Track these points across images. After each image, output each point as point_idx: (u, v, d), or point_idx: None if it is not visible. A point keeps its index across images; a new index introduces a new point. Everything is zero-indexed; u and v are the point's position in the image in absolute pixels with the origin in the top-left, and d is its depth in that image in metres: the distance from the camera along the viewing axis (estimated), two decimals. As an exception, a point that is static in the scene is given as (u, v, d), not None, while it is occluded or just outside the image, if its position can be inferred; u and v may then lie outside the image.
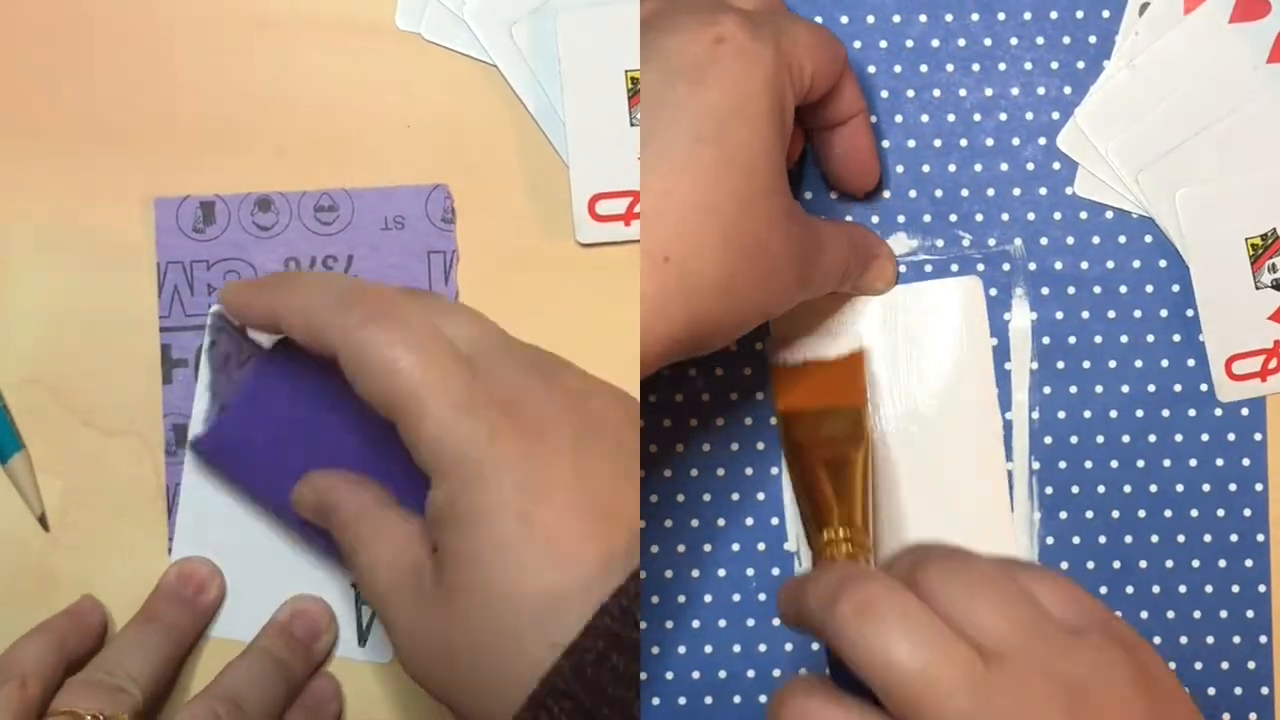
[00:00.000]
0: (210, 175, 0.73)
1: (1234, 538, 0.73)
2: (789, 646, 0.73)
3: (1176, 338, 0.73)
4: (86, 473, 0.73)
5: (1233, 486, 0.73)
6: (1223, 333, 0.73)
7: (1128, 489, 0.73)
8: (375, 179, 0.74)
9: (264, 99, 0.73)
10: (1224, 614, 0.73)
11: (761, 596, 0.73)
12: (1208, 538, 0.73)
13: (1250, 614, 0.73)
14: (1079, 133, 0.73)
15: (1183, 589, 0.73)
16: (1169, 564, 0.73)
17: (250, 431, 0.70)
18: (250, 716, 0.68)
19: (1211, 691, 0.73)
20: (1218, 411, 0.73)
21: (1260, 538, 0.73)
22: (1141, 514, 0.73)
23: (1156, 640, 0.73)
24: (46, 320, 0.73)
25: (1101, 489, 0.73)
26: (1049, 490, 0.73)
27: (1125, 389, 0.73)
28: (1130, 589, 0.73)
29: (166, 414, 0.73)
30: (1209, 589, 0.73)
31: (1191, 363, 0.73)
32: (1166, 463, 0.73)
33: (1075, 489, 0.73)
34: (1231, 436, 0.73)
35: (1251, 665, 0.73)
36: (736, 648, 0.73)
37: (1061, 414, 0.73)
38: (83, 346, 0.73)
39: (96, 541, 0.73)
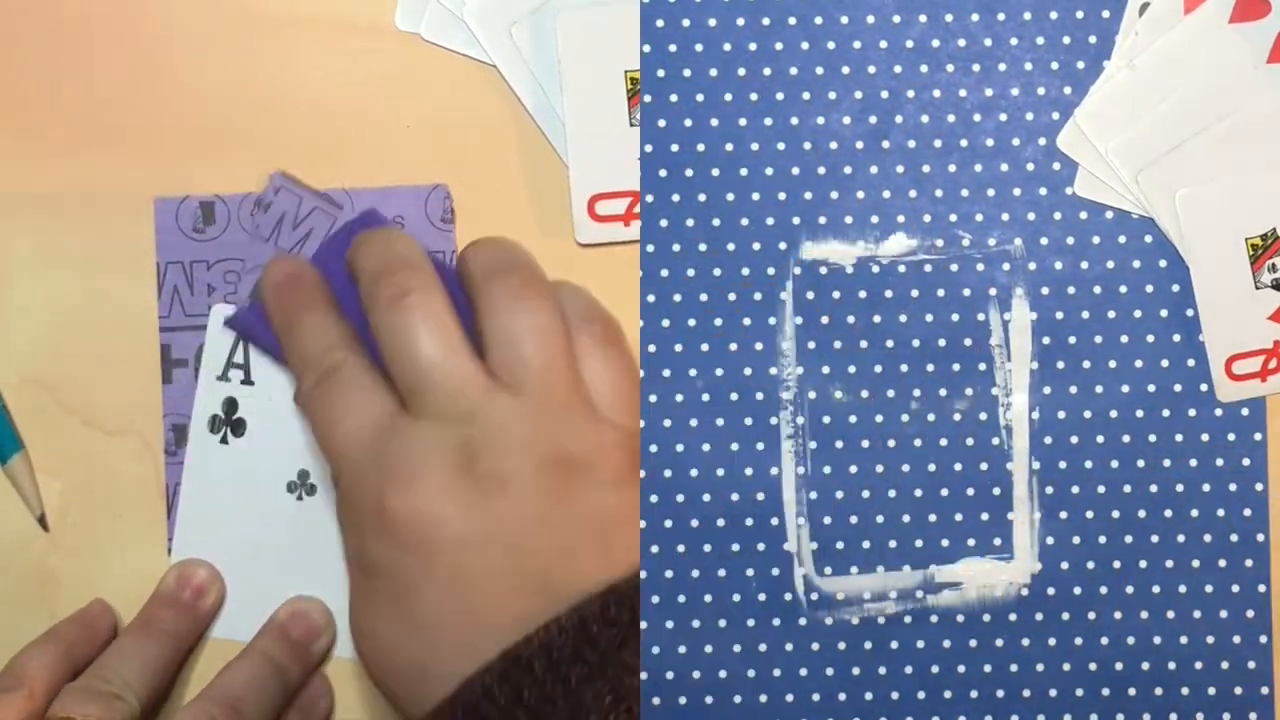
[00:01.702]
0: (210, 175, 0.73)
1: (1234, 538, 0.73)
2: (789, 646, 0.74)
3: (1176, 338, 0.73)
4: (86, 473, 0.73)
5: (1233, 486, 0.73)
6: (1223, 333, 0.73)
7: (1128, 489, 0.73)
8: (375, 179, 0.73)
9: (264, 99, 0.73)
10: (1224, 614, 0.73)
11: (761, 596, 0.73)
12: (1208, 538, 0.73)
13: (1250, 614, 0.73)
14: (1079, 133, 0.73)
15: (1183, 589, 0.73)
16: (1169, 564, 0.73)
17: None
18: (248, 718, 0.68)
19: (1212, 691, 0.73)
20: (1218, 411, 0.73)
21: (1260, 537, 0.73)
22: (1141, 514, 0.73)
23: (1156, 640, 0.73)
24: (46, 320, 0.73)
25: (1101, 489, 0.73)
26: (1049, 490, 0.73)
27: (1125, 389, 0.73)
28: (1130, 589, 0.73)
29: (166, 414, 0.73)
30: (1209, 589, 0.73)
31: (1191, 363, 0.73)
32: (1166, 463, 0.73)
33: (1075, 489, 0.73)
34: (1231, 436, 0.73)
35: (1251, 665, 0.73)
36: (736, 648, 0.73)
37: (1061, 414, 0.73)
38: (83, 346, 0.73)
39: (96, 542, 0.73)
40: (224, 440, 0.73)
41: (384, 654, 0.63)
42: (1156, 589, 0.73)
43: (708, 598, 0.73)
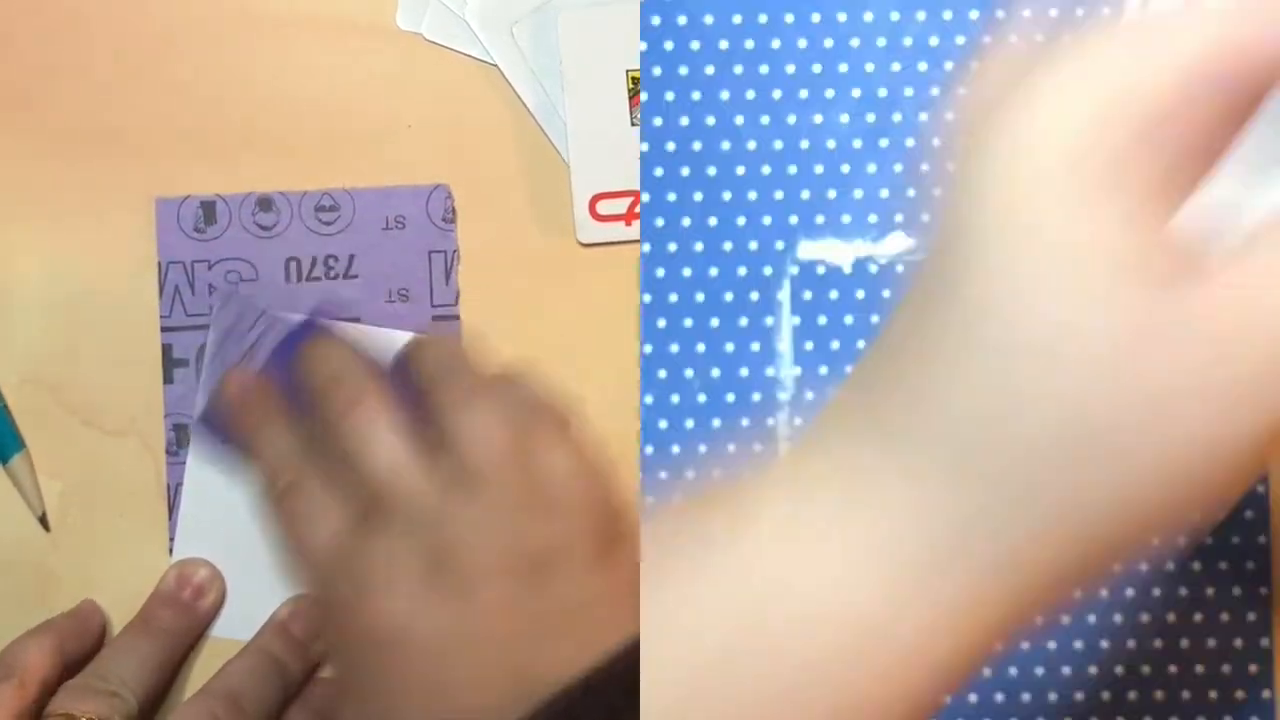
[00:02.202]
0: (211, 175, 0.73)
1: (1235, 539, 0.73)
2: (787, 648, 0.73)
3: (1176, 338, 0.73)
4: (87, 473, 0.73)
5: (1233, 487, 0.73)
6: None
7: (1128, 490, 0.73)
8: (376, 179, 0.74)
9: (264, 99, 0.74)
10: (1225, 616, 0.73)
11: (759, 598, 0.73)
12: (1208, 540, 0.73)
13: (1251, 617, 0.73)
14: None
15: (1183, 591, 0.73)
16: (1169, 566, 0.73)
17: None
18: (248, 715, 0.68)
19: (1213, 695, 0.73)
20: (1218, 412, 0.73)
21: (1261, 540, 0.73)
22: (1142, 515, 0.73)
23: (1157, 643, 0.73)
24: (47, 320, 0.73)
25: (1101, 490, 0.73)
26: (1048, 491, 0.73)
27: (1125, 389, 0.73)
28: (1130, 590, 0.73)
29: (167, 414, 0.73)
30: (1210, 591, 0.73)
31: (1192, 363, 0.73)
32: (1167, 463, 0.73)
33: (1075, 490, 0.73)
34: (1232, 437, 0.73)
35: (1253, 668, 0.73)
36: (734, 649, 0.73)
37: (1061, 414, 0.73)
38: (83, 346, 0.73)
39: (97, 542, 0.73)
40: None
41: None
42: (1157, 590, 0.73)
43: (705, 599, 0.73)
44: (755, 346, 0.73)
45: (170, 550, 0.73)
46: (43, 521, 0.73)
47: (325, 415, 0.66)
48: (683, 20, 0.73)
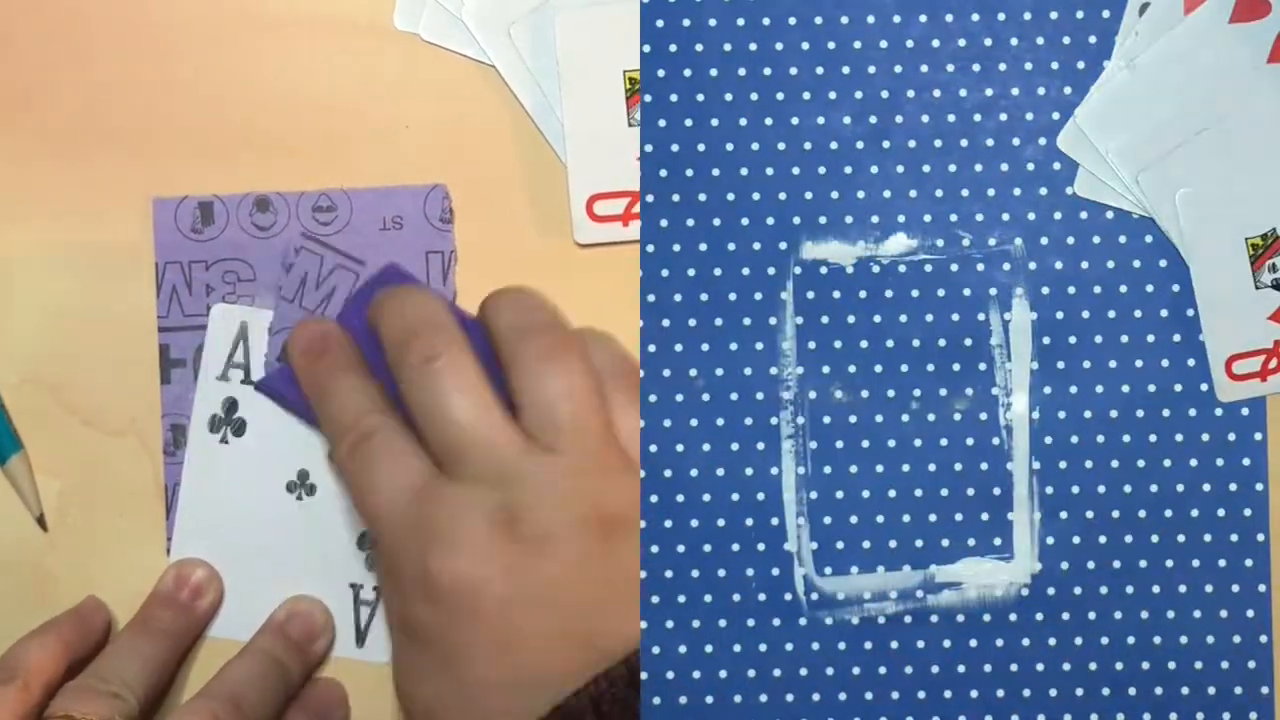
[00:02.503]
0: (208, 175, 0.73)
1: (1234, 537, 0.73)
2: (789, 646, 0.74)
3: (1176, 338, 0.73)
4: (85, 473, 0.73)
5: (1233, 486, 0.73)
6: (1223, 333, 0.73)
7: (1128, 489, 0.73)
8: (374, 179, 0.74)
9: (262, 99, 0.73)
10: (1224, 614, 0.73)
11: (761, 596, 0.73)
12: (1208, 538, 0.73)
13: (1250, 614, 0.73)
14: (1079, 134, 0.73)
15: (1183, 589, 0.74)
16: (1169, 564, 0.73)
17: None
18: (248, 716, 0.68)
19: (1211, 691, 0.73)
20: (1218, 411, 0.73)
21: (1260, 537, 0.74)
22: (1141, 514, 0.73)
23: (1156, 640, 0.73)
24: (45, 320, 0.73)
25: (1101, 489, 0.73)
26: (1049, 490, 0.73)
27: (1125, 389, 0.73)
28: (1130, 589, 0.73)
29: (165, 414, 0.73)
30: (1209, 589, 0.73)
31: (1191, 363, 0.73)
32: (1166, 463, 0.73)
33: (1075, 489, 0.73)
34: (1231, 436, 0.73)
35: (1251, 665, 0.73)
36: (736, 647, 0.74)
37: (1061, 414, 0.73)
38: (81, 347, 0.73)
39: (95, 542, 0.73)
40: (224, 440, 0.73)
41: (433, 716, 0.64)
42: (1156, 589, 0.73)
43: (708, 598, 0.74)
44: (759, 346, 0.73)
45: (168, 550, 0.73)
46: (41, 522, 0.73)
47: (402, 366, 0.66)
48: (686, 23, 0.73)
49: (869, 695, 0.74)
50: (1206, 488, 0.73)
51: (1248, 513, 0.73)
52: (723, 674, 0.74)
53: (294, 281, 0.73)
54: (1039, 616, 0.73)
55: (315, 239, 0.72)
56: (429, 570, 0.62)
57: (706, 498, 0.73)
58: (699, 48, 0.73)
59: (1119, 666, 0.73)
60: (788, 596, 0.74)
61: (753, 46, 0.73)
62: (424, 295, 0.70)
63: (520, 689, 0.62)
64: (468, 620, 0.62)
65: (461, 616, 0.62)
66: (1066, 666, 0.74)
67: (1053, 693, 0.74)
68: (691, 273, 0.73)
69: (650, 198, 0.73)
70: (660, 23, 0.73)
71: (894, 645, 0.74)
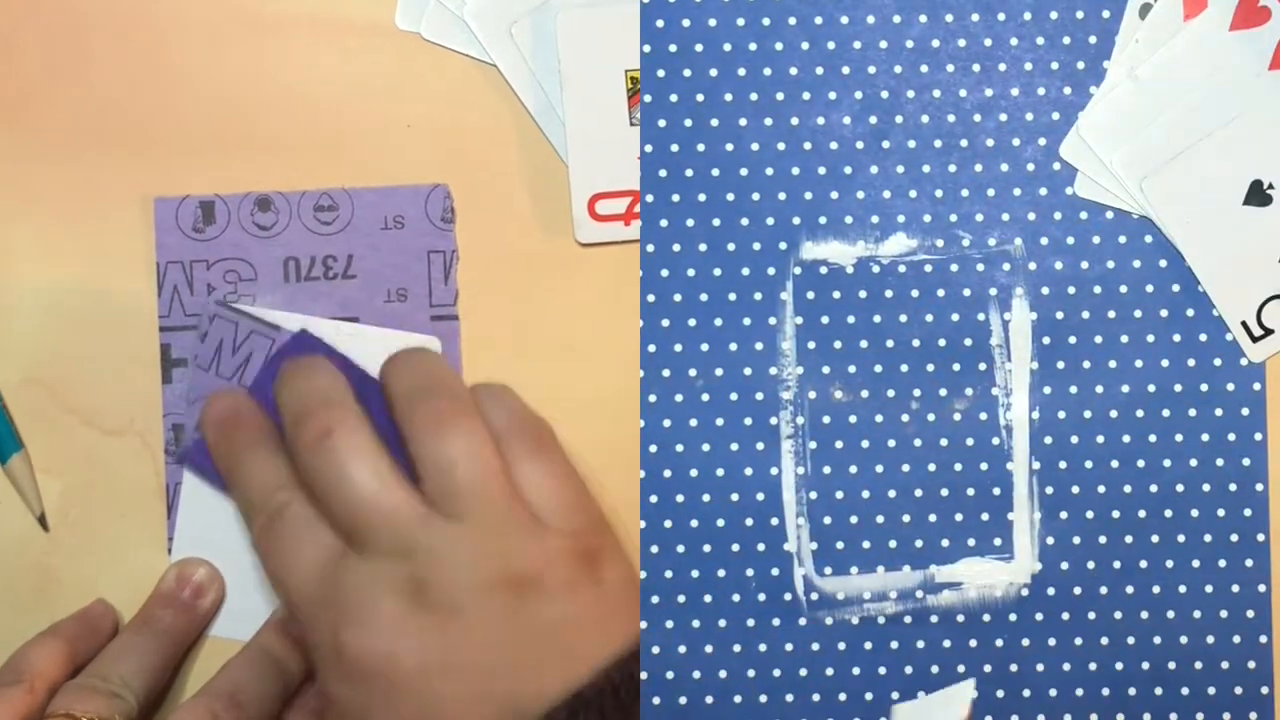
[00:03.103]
0: (210, 175, 0.73)
1: (1234, 538, 0.74)
2: (789, 646, 0.74)
3: (1176, 338, 0.73)
4: (86, 473, 0.73)
5: (1233, 486, 0.73)
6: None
7: (1128, 489, 0.73)
8: (375, 179, 0.74)
9: (263, 99, 0.73)
10: (1224, 614, 0.73)
11: (761, 597, 0.73)
12: (1208, 538, 0.73)
13: (1250, 614, 0.74)
14: (1081, 143, 0.73)
15: (1183, 589, 0.74)
16: (1169, 564, 0.73)
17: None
18: (248, 714, 0.68)
19: (1211, 691, 0.73)
20: (1218, 411, 0.73)
21: (1260, 538, 0.74)
22: (1141, 514, 0.73)
23: (1156, 640, 0.73)
24: (46, 320, 0.73)
25: (1101, 489, 0.73)
26: (1049, 490, 0.73)
27: (1125, 389, 0.73)
28: (1130, 589, 0.73)
29: (166, 414, 0.73)
30: (1209, 589, 0.74)
31: (1191, 363, 0.73)
32: (1166, 463, 0.73)
33: (1075, 489, 0.73)
34: (1231, 436, 0.73)
35: (1251, 665, 0.73)
36: (736, 648, 0.74)
37: (1061, 414, 0.73)
38: (82, 346, 0.73)
39: (96, 542, 0.73)
40: (224, 440, 0.73)
41: None
42: (1156, 589, 0.73)
43: (708, 598, 0.74)
44: (759, 346, 0.73)
45: (169, 550, 0.73)
46: (42, 521, 0.73)
47: (298, 444, 0.66)
48: (686, 23, 0.73)
49: (869, 695, 0.74)
50: (1206, 488, 0.73)
51: (1248, 513, 0.73)
52: (723, 674, 0.74)
53: (209, 349, 0.73)
54: (1039, 616, 0.73)
55: (227, 306, 0.72)
56: (343, 646, 0.62)
57: (706, 498, 0.74)
58: (699, 48, 0.73)
59: (1119, 666, 0.74)
60: (787, 597, 0.74)
61: (753, 46, 0.73)
62: (320, 369, 0.69)
63: None
64: (385, 694, 0.62)
65: (378, 691, 0.62)
66: (1066, 666, 0.74)
67: (1053, 693, 0.74)
68: (691, 273, 0.73)
69: (650, 198, 0.73)
70: (660, 23, 0.73)
71: (894, 645, 0.74)
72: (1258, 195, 0.72)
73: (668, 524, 0.73)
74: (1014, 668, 0.74)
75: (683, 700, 0.74)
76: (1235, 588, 0.74)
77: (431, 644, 0.62)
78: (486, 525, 0.64)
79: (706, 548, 0.73)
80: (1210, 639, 0.73)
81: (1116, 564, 0.73)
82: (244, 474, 0.68)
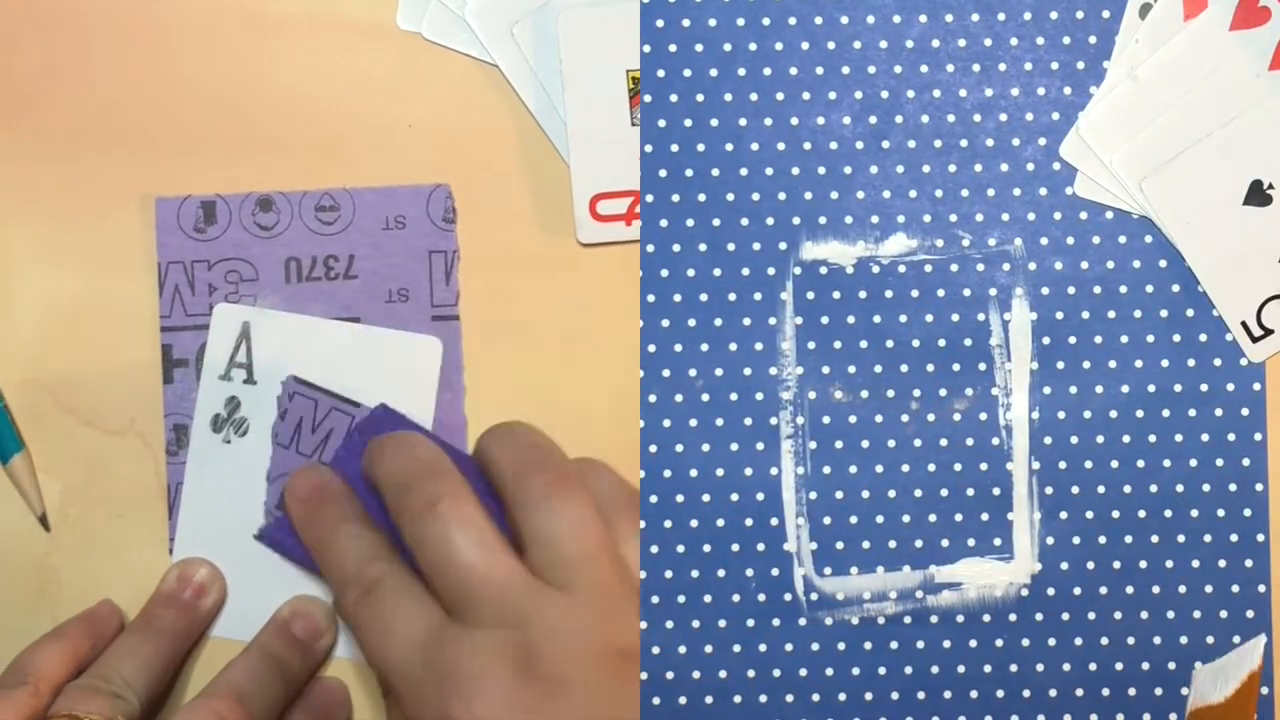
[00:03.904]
0: (211, 175, 0.73)
1: (1234, 538, 0.73)
2: (789, 646, 0.74)
3: (1176, 338, 0.73)
4: (87, 473, 0.73)
5: (1233, 486, 0.73)
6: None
7: (1128, 489, 0.73)
8: (376, 179, 0.74)
9: (264, 99, 0.73)
10: (1224, 614, 0.73)
11: (761, 597, 0.73)
12: (1208, 538, 0.73)
13: (1250, 614, 0.73)
14: (1082, 143, 0.73)
15: (1183, 589, 0.74)
16: (1169, 564, 0.73)
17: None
18: (252, 715, 0.68)
19: (1212, 691, 0.74)
20: (1218, 411, 0.73)
21: (1260, 538, 0.74)
22: (1141, 514, 0.73)
23: (1156, 640, 0.73)
24: (47, 320, 0.73)
25: (1101, 489, 0.73)
26: (1049, 490, 0.73)
27: (1125, 389, 0.73)
28: (1130, 589, 0.73)
29: (167, 414, 0.73)
30: (1209, 589, 0.73)
31: (1191, 363, 0.73)
32: (1166, 463, 0.73)
33: (1075, 489, 0.73)
34: (1231, 436, 0.73)
35: (1251, 665, 0.74)
36: (736, 648, 0.74)
37: (1061, 414, 0.73)
38: (83, 346, 0.73)
39: (97, 542, 0.73)
40: (227, 440, 0.73)
41: None
42: (1156, 589, 0.73)
43: (708, 598, 0.74)
44: (759, 346, 0.73)
45: (170, 550, 0.73)
46: (43, 521, 0.73)
47: (403, 515, 0.67)
48: (686, 23, 0.73)
49: (869, 695, 0.74)
50: (1206, 488, 0.73)
51: (1248, 513, 0.73)
52: (722, 674, 0.74)
53: (289, 427, 0.73)
54: (1039, 616, 0.73)
55: (306, 384, 0.73)
56: (451, 718, 0.62)
57: (706, 498, 0.74)
58: (699, 48, 0.73)
59: (1119, 666, 0.74)
60: (787, 597, 0.74)
61: (753, 46, 0.73)
62: (418, 441, 0.70)
63: None
64: None
65: None
66: (1066, 666, 0.74)
67: (1053, 693, 0.74)
68: (691, 273, 0.73)
69: (650, 198, 0.73)
70: (660, 23, 0.73)
71: (894, 645, 0.74)
72: (1258, 195, 0.72)
73: (668, 524, 0.73)
74: (1014, 668, 0.74)
75: (683, 700, 0.74)
76: (1235, 588, 0.73)
77: (538, 715, 0.62)
78: (596, 596, 0.64)
79: (706, 548, 0.74)
80: (1210, 639, 0.73)
81: (1116, 564, 0.73)
82: (337, 547, 0.68)
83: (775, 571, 0.74)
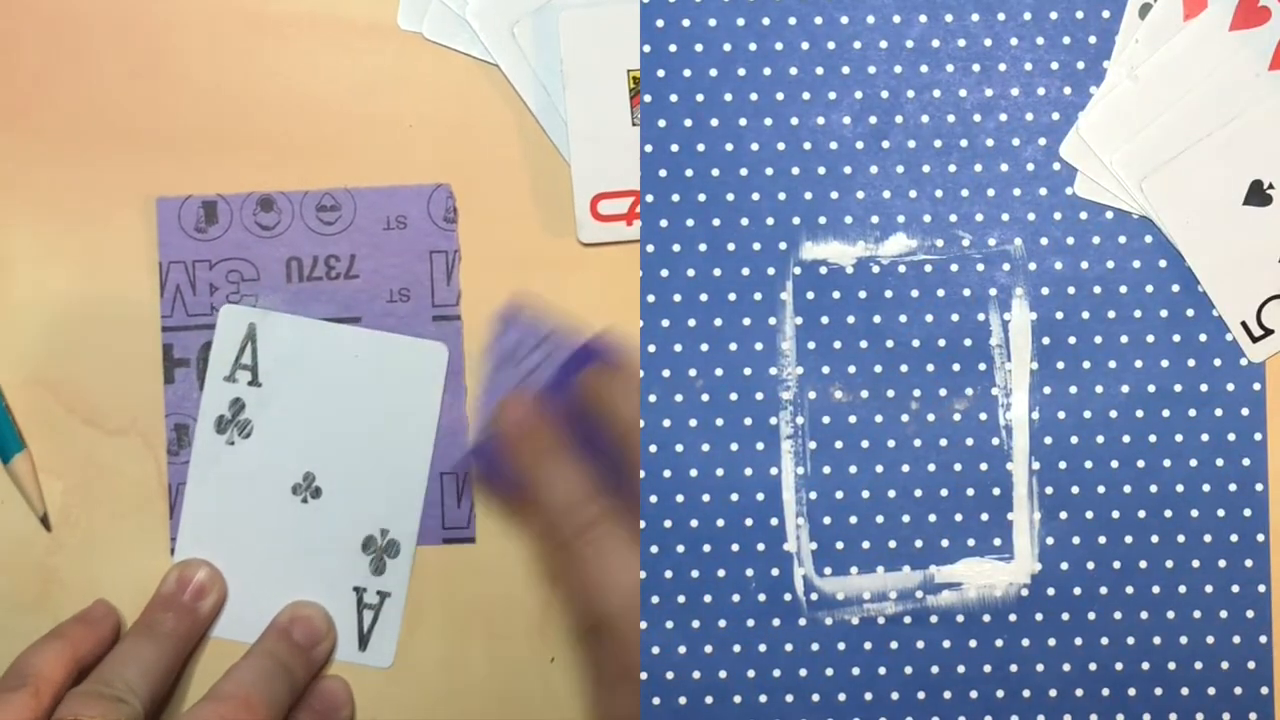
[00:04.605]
0: (212, 175, 0.73)
1: (1234, 538, 0.73)
2: (789, 646, 0.74)
3: (1176, 338, 0.73)
4: (88, 473, 0.73)
5: (1233, 486, 0.73)
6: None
7: (1128, 489, 0.73)
8: (377, 178, 0.74)
9: (265, 99, 0.74)
10: (1224, 614, 0.73)
11: (761, 597, 0.73)
12: (1208, 538, 0.73)
13: (1250, 614, 0.73)
14: (1082, 143, 0.73)
15: (1183, 589, 0.73)
16: (1169, 564, 0.73)
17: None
18: (259, 716, 0.68)
19: (1211, 691, 0.73)
20: (1218, 411, 0.73)
21: (1260, 538, 0.74)
22: (1141, 514, 0.73)
23: (1156, 640, 0.73)
24: (48, 320, 0.73)
25: (1101, 489, 0.73)
26: (1049, 490, 0.73)
27: (1125, 389, 0.73)
28: (1130, 589, 0.73)
29: (168, 414, 0.73)
30: (1209, 589, 0.73)
31: (1191, 363, 0.73)
32: (1166, 463, 0.73)
33: (1075, 489, 0.73)
34: (1231, 436, 0.73)
35: (1251, 665, 0.73)
36: (736, 648, 0.74)
37: (1061, 414, 0.73)
38: (85, 346, 0.73)
39: (99, 542, 0.74)
40: (230, 441, 0.73)
41: None
42: (1156, 589, 0.73)
43: (708, 598, 0.74)
44: (758, 346, 0.73)
45: (172, 550, 0.73)
46: (44, 521, 0.73)
47: (622, 451, 0.67)
48: (686, 23, 0.73)
49: (869, 695, 0.74)
50: (1206, 488, 0.73)
51: (1248, 513, 0.73)
52: (722, 674, 0.74)
53: (503, 352, 0.73)
54: (1039, 616, 0.73)
55: (521, 308, 0.73)
56: None
57: (706, 498, 0.74)
58: (699, 48, 0.73)
59: (1119, 666, 0.74)
60: (787, 597, 0.74)
61: (753, 46, 0.73)
62: (631, 377, 0.71)
63: None
64: None
65: None
66: (1066, 666, 0.74)
67: (1053, 693, 0.74)
68: (691, 273, 0.73)
69: (650, 198, 0.73)
70: (660, 23, 0.73)
71: (894, 645, 0.74)
72: (1258, 195, 0.72)
73: (668, 524, 0.73)
74: (1014, 668, 0.74)
75: (683, 700, 0.74)
76: (1235, 588, 0.73)
77: None
78: None
79: (706, 548, 0.74)
80: (1210, 639, 0.73)
81: (1116, 564, 0.73)
82: (557, 476, 0.68)
83: (775, 571, 0.74)
